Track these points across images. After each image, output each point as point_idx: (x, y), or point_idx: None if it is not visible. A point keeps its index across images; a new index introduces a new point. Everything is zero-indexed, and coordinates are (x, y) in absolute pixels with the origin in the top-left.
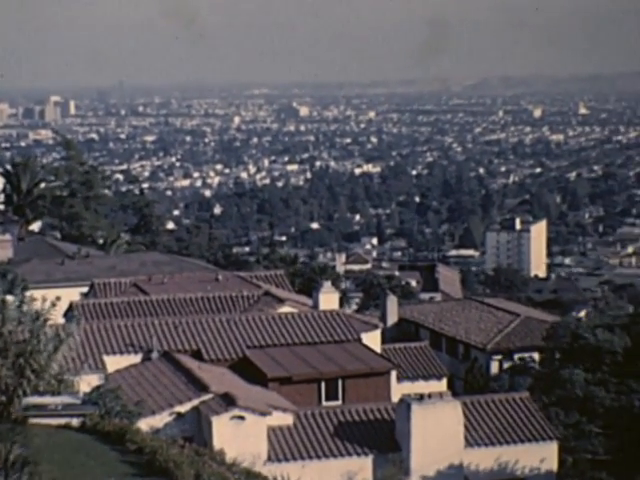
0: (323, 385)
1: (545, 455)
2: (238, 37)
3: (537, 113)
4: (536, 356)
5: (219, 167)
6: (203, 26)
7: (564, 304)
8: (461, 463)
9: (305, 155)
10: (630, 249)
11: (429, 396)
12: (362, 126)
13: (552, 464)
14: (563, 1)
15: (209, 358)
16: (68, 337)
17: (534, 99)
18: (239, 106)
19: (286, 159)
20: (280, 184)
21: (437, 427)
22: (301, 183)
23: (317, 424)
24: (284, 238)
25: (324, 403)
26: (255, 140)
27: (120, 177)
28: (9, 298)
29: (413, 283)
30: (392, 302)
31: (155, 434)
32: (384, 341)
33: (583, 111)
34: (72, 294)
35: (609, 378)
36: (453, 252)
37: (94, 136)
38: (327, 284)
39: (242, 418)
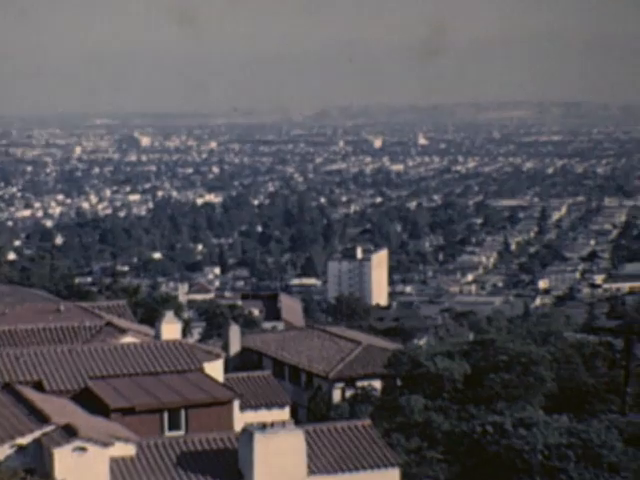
0: (166, 415)
1: None
2: (79, 67)
3: (377, 143)
4: (378, 383)
5: (60, 197)
6: (43, 56)
7: (405, 332)
8: None
9: (147, 185)
10: (470, 277)
11: (272, 425)
12: (204, 156)
13: None
14: (397, 35)
15: (51, 389)
16: None
17: (374, 129)
18: (80, 136)
19: (128, 189)
20: (122, 214)
21: (280, 456)
22: (143, 213)
23: (160, 454)
24: (126, 268)
25: (167, 433)
26: (97, 170)
27: None
28: None
29: (256, 312)
30: (235, 331)
31: None
32: (227, 370)
33: (422, 141)
34: None
35: (449, 404)
36: (295, 281)
37: None
38: (169, 314)
39: (84, 449)
